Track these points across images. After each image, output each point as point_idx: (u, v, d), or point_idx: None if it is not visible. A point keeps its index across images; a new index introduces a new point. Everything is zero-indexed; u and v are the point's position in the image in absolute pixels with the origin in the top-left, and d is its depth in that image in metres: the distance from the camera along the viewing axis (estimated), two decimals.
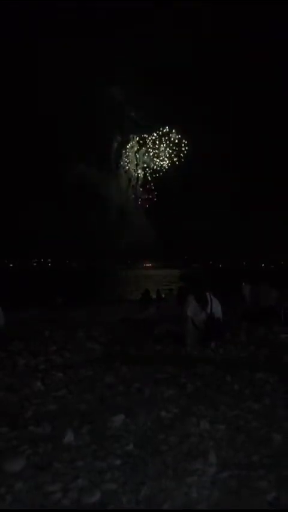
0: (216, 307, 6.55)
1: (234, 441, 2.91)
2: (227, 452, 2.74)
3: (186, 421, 3.28)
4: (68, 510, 2.15)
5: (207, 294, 6.57)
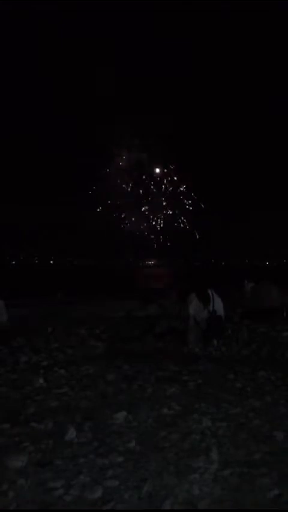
0: (218, 304, 6.53)
1: (236, 439, 2.91)
2: (229, 450, 2.74)
3: (188, 418, 3.28)
4: (70, 510, 2.15)
5: (210, 291, 6.55)
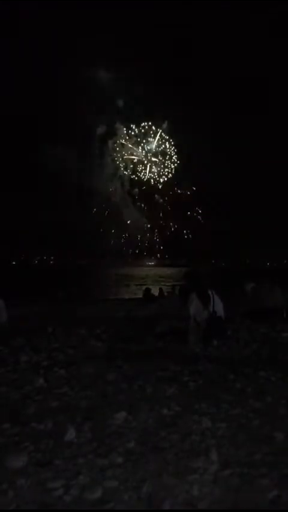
0: (218, 305, 6.53)
1: (236, 439, 2.91)
2: (229, 451, 2.73)
3: (188, 418, 3.27)
4: (70, 510, 2.15)
5: (210, 291, 6.55)
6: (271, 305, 8.86)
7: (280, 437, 2.92)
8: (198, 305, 6.42)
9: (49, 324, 8.27)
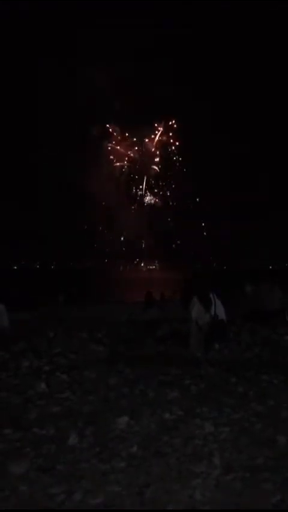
0: (220, 308, 6.53)
1: (238, 443, 2.90)
2: (231, 455, 2.73)
3: (190, 423, 3.27)
4: (73, 510, 2.15)
5: (211, 295, 6.55)
6: (271, 306, 8.85)
7: (282, 440, 2.91)
8: (199, 308, 6.42)
9: (50, 327, 8.25)
